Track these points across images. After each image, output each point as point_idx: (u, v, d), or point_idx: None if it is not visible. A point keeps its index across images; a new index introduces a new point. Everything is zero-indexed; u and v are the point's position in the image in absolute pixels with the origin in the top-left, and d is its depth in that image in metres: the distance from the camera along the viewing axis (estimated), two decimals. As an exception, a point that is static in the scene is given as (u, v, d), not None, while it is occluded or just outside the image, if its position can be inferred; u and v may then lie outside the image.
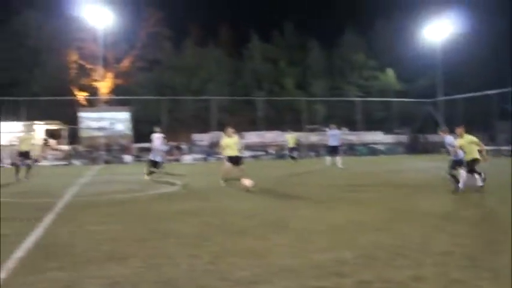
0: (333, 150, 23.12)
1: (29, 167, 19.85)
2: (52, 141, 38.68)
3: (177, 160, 35.26)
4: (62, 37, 48.24)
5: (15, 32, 48.35)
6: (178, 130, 45.40)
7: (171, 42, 54.04)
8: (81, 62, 50.66)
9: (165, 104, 39.37)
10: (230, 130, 15.61)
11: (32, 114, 37.82)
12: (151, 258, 5.92)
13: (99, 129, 37.98)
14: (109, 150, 37.41)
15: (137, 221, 8.70)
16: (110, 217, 9.18)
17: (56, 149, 37.81)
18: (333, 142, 23.04)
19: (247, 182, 13.20)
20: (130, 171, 23.66)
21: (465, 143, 12.32)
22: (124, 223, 8.51)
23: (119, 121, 39.79)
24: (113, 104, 44.47)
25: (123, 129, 39.91)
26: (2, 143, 34.89)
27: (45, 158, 35.57)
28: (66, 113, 40.47)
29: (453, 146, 14.35)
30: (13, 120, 36.63)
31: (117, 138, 38.77)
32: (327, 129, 24.92)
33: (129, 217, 9.21)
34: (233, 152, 15.25)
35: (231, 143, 15.41)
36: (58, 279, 5.06)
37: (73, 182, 17.77)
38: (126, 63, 52.88)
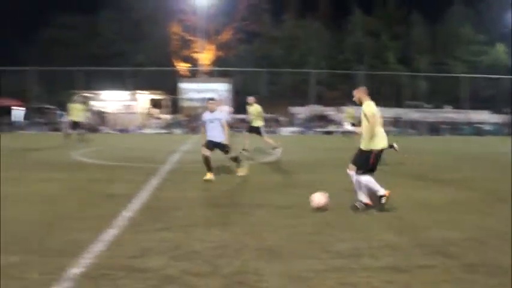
0: None
1: (81, 135, 20.34)
2: (155, 110, 40.21)
3: (274, 132, 35.53)
4: (164, 9, 49.61)
5: (120, 6, 50.40)
6: (276, 102, 45.65)
7: (271, 15, 54.04)
8: (183, 33, 51.93)
9: (264, 76, 39.58)
10: (251, 99, 16.11)
11: (136, 84, 39.58)
12: (252, 226, 5.99)
13: (199, 99, 38.94)
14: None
15: (236, 190, 8.86)
16: (213, 184, 9.37)
17: (158, 118, 39.29)
18: None
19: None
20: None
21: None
22: (223, 191, 8.68)
23: (219, 92, 40.54)
24: (214, 75, 45.34)
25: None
26: (109, 110, 36.83)
27: (147, 126, 37.10)
28: (168, 83, 41.86)
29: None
30: (118, 89, 38.48)
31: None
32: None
33: (228, 185, 9.37)
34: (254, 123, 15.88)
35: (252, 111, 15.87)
36: (166, 239, 5.27)
37: (175, 149, 18.36)
38: (226, 35, 53.55)
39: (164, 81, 42.92)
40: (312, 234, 5.61)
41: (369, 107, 7.10)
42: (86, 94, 38.50)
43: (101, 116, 37.92)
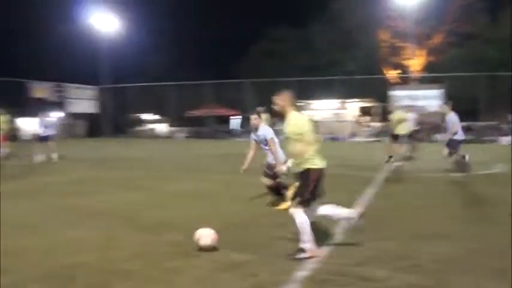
0: None
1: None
2: (364, 118, 40.17)
3: (493, 141, 33.09)
4: (373, 17, 49.41)
5: (331, 17, 51.60)
6: (496, 108, 42.29)
7: (486, 14, 50.29)
8: (392, 40, 51.09)
9: (481, 80, 37.05)
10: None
11: (346, 92, 40.13)
12: (486, 242, 5.67)
13: (410, 106, 37.82)
14: (420, 129, 37.09)
15: (452, 202, 8.46)
16: (426, 195, 9.09)
17: (368, 126, 39.19)
18: None
19: None
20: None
21: None
22: (445, 202, 8.37)
23: (431, 98, 38.92)
24: (425, 81, 43.80)
25: (434, 107, 39.01)
26: (319, 118, 37.86)
27: (357, 134, 37.30)
28: (378, 91, 41.50)
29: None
30: (329, 98, 39.38)
31: (429, 116, 38.12)
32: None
33: (443, 197, 9.00)
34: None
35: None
36: (388, 249, 5.30)
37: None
38: (437, 39, 51.37)
39: (374, 89, 42.68)
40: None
41: (294, 121, 5.46)
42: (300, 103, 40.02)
43: (311, 124, 39.12)
